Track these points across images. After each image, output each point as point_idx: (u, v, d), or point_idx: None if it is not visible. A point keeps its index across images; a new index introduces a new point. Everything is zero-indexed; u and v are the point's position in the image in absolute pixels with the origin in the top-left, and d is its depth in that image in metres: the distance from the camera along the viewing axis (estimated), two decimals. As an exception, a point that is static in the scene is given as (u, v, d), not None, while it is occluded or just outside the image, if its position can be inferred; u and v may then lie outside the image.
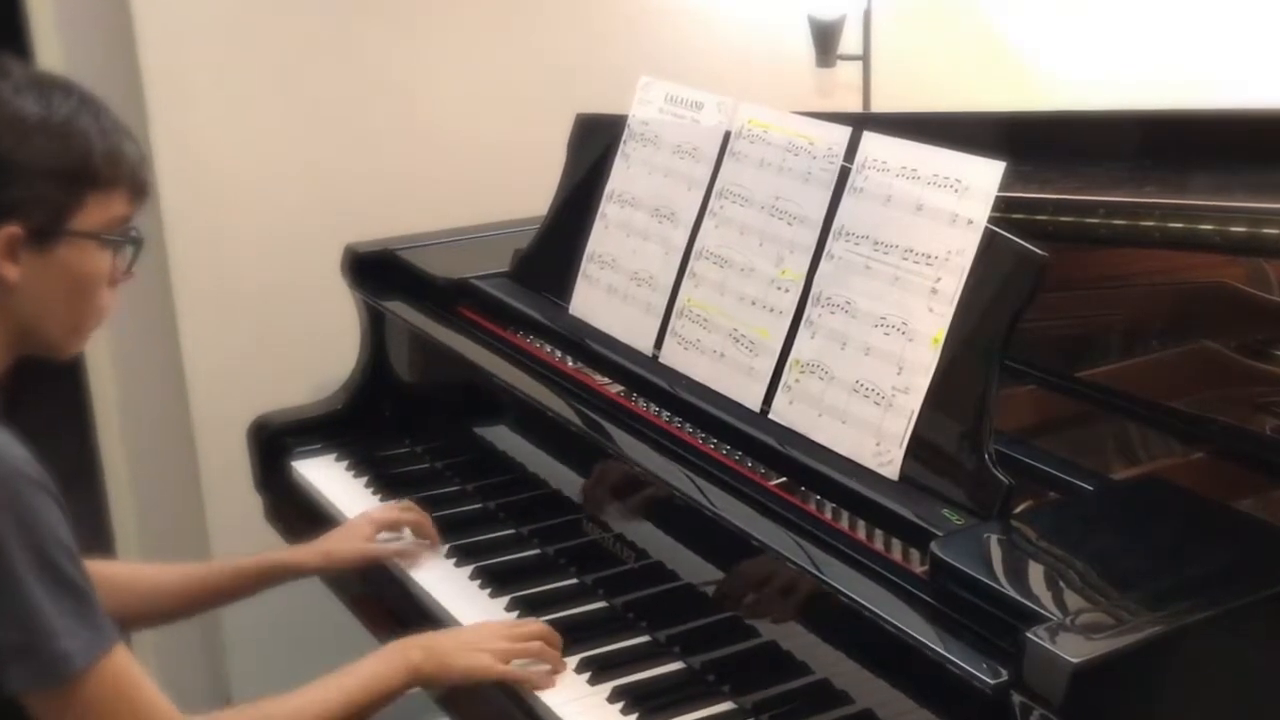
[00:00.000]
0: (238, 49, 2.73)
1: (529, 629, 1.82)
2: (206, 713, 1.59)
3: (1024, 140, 2.23)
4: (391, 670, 1.72)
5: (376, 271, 2.51)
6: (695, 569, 1.79)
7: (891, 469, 1.66)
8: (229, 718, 1.65)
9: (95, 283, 1.57)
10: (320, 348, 2.71)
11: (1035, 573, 1.46)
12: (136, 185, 1.59)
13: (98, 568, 1.62)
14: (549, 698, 1.75)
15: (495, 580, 2.01)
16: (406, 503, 2.19)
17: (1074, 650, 1.27)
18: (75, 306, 1.57)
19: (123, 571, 1.97)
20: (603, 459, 1.95)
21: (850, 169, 1.81)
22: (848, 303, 1.76)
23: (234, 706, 1.71)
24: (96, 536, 2.93)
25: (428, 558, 2.10)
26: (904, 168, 1.74)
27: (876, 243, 1.75)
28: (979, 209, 1.64)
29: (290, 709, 1.64)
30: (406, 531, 2.13)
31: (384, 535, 2.12)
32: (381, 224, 2.61)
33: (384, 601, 2.10)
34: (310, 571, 2.07)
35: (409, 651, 1.75)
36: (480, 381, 2.20)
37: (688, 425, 1.89)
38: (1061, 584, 1.43)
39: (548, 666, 1.79)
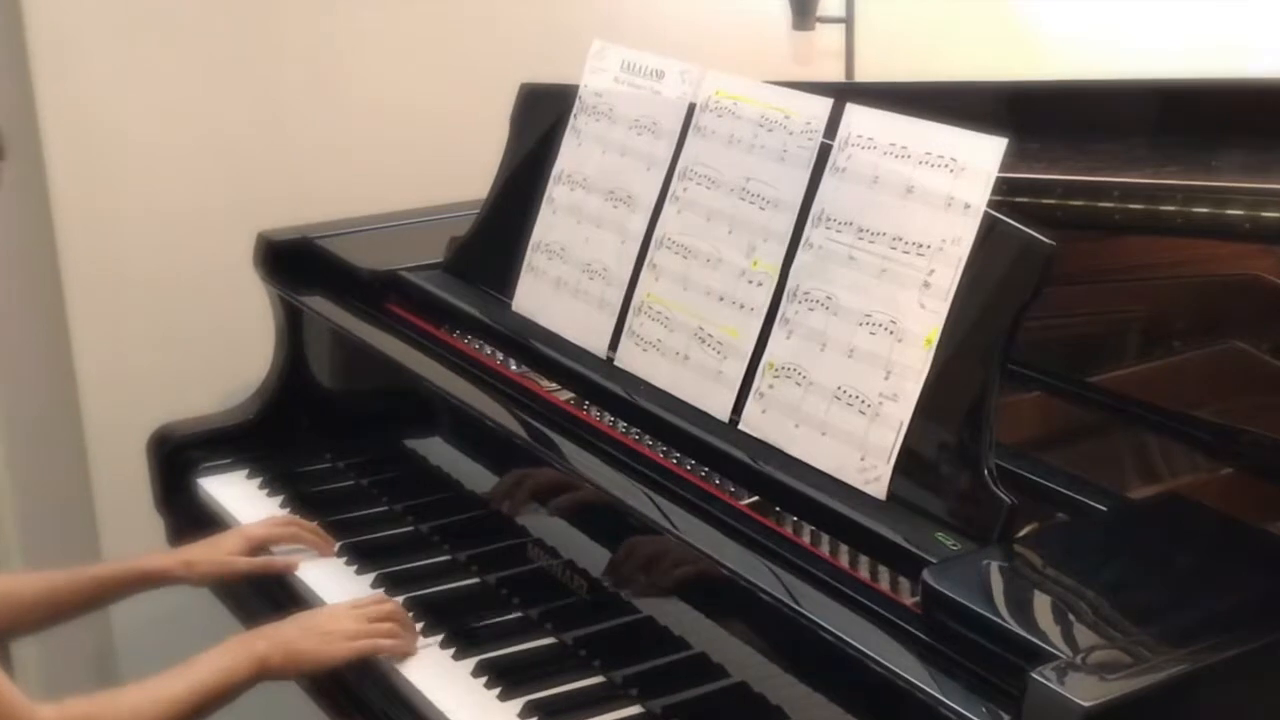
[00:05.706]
0: (134, 6, 2.70)
1: (381, 609, 1.94)
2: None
3: (1028, 113, 2.23)
4: (237, 663, 1.81)
5: (293, 262, 2.51)
6: (656, 600, 1.79)
7: (878, 487, 1.66)
8: (77, 707, 1.72)
9: None
10: (230, 349, 2.71)
11: (1041, 605, 1.46)
12: None
13: None
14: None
15: (430, 612, 2.00)
16: (286, 516, 2.28)
17: (1084, 693, 1.27)
18: None
19: None
20: (551, 475, 1.94)
21: (831, 146, 1.81)
22: (828, 298, 1.76)
23: (77, 698, 1.77)
24: (-26, 562, 2.90)
25: (350, 584, 2.10)
26: (892, 145, 1.74)
27: (861, 230, 1.74)
28: (977, 192, 1.64)
29: (132, 701, 1.74)
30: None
31: (282, 549, 2.19)
32: (299, 209, 2.61)
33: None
34: (172, 580, 2.13)
35: (254, 643, 1.84)
36: (411, 387, 2.20)
37: (647, 437, 1.90)
38: (1071, 617, 1.43)
39: (402, 640, 1.90)
